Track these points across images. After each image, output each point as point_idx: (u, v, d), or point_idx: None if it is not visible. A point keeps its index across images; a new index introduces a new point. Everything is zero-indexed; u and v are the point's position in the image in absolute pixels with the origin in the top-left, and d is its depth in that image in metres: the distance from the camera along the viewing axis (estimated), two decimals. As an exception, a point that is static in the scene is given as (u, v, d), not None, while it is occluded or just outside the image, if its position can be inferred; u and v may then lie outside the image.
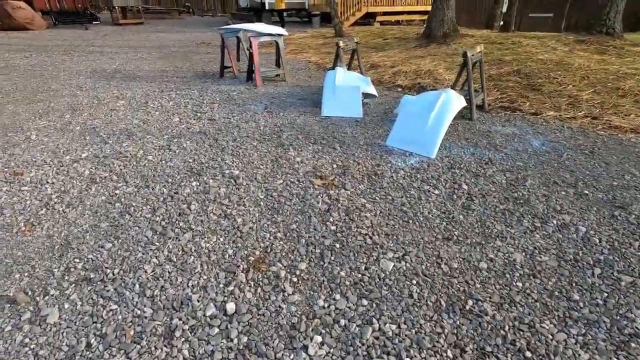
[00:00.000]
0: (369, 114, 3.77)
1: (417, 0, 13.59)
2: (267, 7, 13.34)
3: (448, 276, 1.63)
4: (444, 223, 2.00)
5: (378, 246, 1.82)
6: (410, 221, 2.01)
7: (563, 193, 2.27)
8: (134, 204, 2.18)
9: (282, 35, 5.00)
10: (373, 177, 2.49)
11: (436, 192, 2.30)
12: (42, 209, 2.14)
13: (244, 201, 2.21)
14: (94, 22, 14.85)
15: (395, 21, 13.62)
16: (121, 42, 9.87)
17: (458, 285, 1.58)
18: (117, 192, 2.32)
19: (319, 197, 2.25)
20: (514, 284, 1.58)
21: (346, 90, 3.74)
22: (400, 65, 5.59)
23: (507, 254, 1.76)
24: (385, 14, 13.18)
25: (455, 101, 2.94)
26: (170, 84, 5.08)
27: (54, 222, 2.02)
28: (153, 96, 4.46)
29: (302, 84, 5.13)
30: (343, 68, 4.10)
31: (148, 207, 2.15)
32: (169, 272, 1.65)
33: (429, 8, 11.86)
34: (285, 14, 14.44)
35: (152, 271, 1.66)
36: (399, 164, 2.67)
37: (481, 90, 3.77)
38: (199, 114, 3.79)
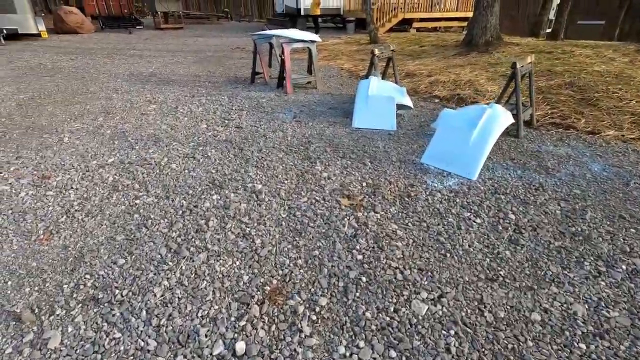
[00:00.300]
0: (403, 127, 3.54)
1: (457, 6, 13.13)
2: (302, 13, 13.38)
3: (493, 328, 1.39)
4: (487, 259, 1.74)
5: (410, 283, 1.60)
6: (448, 255, 1.78)
7: (632, 231, 1.94)
8: (152, 216, 2.09)
9: (315, 41, 4.87)
10: (406, 199, 2.27)
11: (478, 220, 2.04)
12: (62, 217, 2.10)
13: (264, 219, 2.06)
14: (137, 27, 15.56)
15: (432, 28, 13.22)
16: (160, 46, 10.21)
17: (505, 341, 1.33)
18: (137, 202, 2.25)
19: (346, 219, 2.06)
20: (576, 345, 1.32)
21: (380, 100, 3.53)
22: (437, 74, 5.30)
23: (565, 305, 1.48)
24: (422, 20, 12.82)
25: (503, 117, 2.66)
26: (201, 89, 5.09)
27: (71, 232, 1.96)
28: (184, 101, 4.47)
29: (333, 92, 4.98)
30: (377, 77, 3.90)
31: (166, 220, 2.06)
32: (178, 298, 1.52)
33: (468, 14, 11.41)
34: (320, 19, 14.43)
35: (162, 295, 1.54)
36: (436, 185, 2.43)
37: (529, 104, 3.43)
38: (226, 121, 3.72)
